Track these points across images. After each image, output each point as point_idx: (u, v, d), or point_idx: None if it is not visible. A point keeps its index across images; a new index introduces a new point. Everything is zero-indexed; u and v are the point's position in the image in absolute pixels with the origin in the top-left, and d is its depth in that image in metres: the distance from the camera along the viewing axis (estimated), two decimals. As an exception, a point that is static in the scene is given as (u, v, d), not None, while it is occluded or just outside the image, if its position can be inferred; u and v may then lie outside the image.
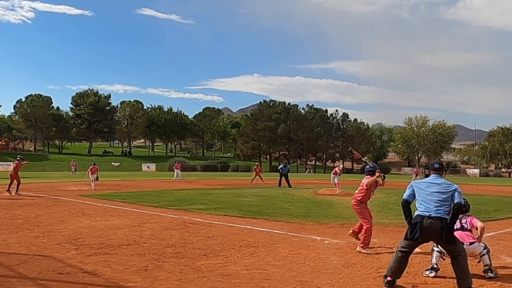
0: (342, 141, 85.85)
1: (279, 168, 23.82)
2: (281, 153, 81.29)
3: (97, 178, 20.30)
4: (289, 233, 7.75)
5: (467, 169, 70.73)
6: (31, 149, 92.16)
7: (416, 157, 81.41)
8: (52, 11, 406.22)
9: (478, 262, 5.30)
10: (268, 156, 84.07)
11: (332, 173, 20.44)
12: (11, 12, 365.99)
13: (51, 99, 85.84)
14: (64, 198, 14.23)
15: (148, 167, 60.89)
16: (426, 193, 4.57)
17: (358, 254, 6.07)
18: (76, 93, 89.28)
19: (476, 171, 67.82)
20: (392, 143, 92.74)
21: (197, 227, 8.41)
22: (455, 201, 4.51)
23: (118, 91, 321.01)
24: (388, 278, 4.50)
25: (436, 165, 4.86)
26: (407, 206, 4.64)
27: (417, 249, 6.30)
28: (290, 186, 21.61)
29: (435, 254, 5.29)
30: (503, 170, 72.92)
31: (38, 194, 15.77)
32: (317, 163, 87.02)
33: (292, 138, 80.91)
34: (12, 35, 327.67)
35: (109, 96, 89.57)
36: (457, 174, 71.52)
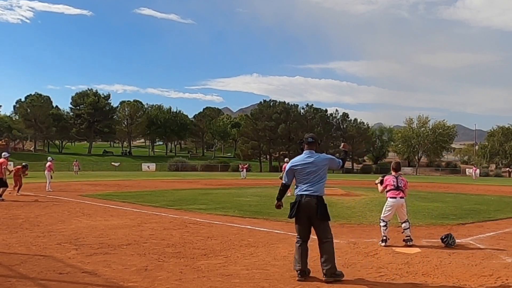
0: (342, 141, 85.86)
1: None
2: (281, 153, 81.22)
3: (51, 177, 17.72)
4: (289, 233, 7.74)
5: (467, 169, 70.63)
6: (31, 149, 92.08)
7: (416, 157, 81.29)
8: (50, 10, 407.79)
9: (402, 232, 6.80)
10: (268, 156, 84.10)
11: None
12: (9, 11, 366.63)
13: (50, 99, 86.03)
14: (64, 198, 14.23)
15: (148, 167, 60.93)
16: (302, 174, 4.71)
17: (358, 254, 6.06)
18: (76, 93, 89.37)
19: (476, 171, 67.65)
20: (392, 143, 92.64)
21: (197, 227, 8.42)
22: (338, 161, 4.89)
23: (118, 91, 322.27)
24: (297, 267, 4.67)
25: (310, 139, 4.85)
26: (284, 189, 4.99)
27: (417, 249, 6.33)
28: None
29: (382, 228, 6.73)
30: (503, 170, 72.85)
31: (38, 194, 15.77)
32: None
33: (292, 138, 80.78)
34: (11, 35, 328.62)
35: (109, 96, 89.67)
36: (457, 174, 71.56)
